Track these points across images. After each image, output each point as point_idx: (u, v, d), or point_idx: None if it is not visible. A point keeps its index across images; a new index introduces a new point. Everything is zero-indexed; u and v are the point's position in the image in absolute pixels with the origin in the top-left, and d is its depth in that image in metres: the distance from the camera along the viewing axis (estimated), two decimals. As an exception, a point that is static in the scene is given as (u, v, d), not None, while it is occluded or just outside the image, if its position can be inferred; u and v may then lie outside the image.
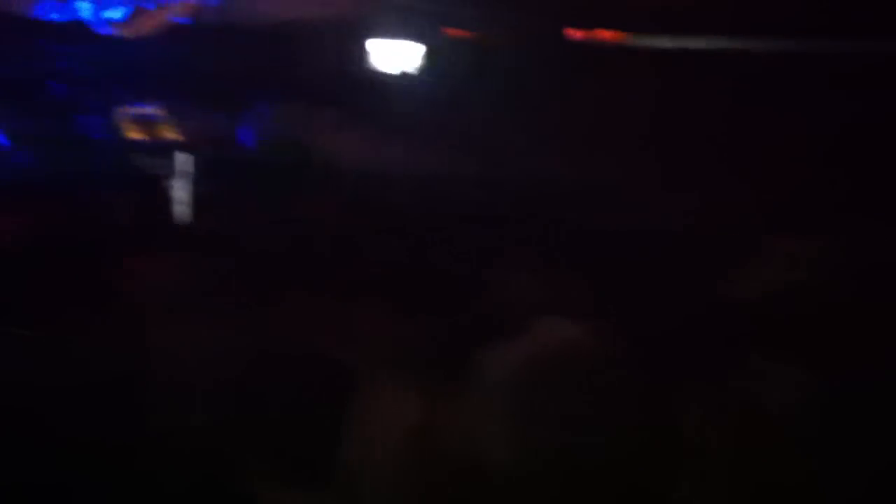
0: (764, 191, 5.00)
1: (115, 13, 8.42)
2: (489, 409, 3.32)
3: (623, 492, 3.05)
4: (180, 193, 6.53)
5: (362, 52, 12.58)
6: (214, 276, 4.16)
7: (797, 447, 3.11)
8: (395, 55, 12.62)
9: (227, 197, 5.92)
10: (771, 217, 4.48)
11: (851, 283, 3.57)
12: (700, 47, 10.86)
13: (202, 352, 3.64)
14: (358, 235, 4.59)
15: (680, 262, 3.96)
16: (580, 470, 3.08)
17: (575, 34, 12.22)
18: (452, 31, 12.43)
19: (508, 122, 7.03)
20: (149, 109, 7.70)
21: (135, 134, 7.52)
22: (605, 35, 12.01)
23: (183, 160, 6.93)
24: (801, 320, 3.41)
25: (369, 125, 7.29)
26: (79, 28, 8.09)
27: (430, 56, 12.03)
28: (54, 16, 8.25)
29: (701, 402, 3.21)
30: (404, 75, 12.14)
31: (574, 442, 3.12)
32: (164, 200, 6.45)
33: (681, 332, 3.43)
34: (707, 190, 5.09)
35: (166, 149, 7.14)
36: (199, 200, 6.39)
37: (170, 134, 7.52)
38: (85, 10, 8.29)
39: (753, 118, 7.91)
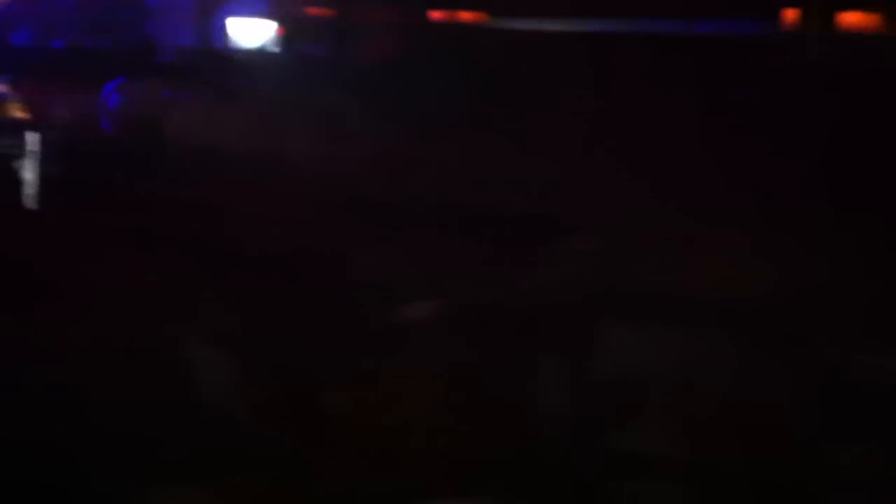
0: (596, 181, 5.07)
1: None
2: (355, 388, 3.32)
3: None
4: (28, 174, 6.36)
5: (223, 30, 12.41)
6: (63, 259, 4.05)
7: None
8: (256, 33, 12.50)
9: (78, 176, 5.79)
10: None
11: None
12: (558, 29, 10.99)
13: (41, 341, 3.54)
14: (212, 214, 4.51)
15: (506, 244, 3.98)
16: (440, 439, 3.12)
17: (436, 15, 12.27)
18: (313, 10, 12.36)
19: (367, 101, 7.01)
20: (-4, 86, 7.49)
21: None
22: (466, 16, 12.09)
23: (32, 139, 6.76)
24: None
25: (227, 102, 7.19)
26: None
27: (290, 34, 11.94)
28: None
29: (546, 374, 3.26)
30: (265, 53, 12.02)
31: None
32: (11, 181, 6.28)
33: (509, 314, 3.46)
34: (554, 173, 5.13)
35: (14, 128, 6.96)
36: (48, 180, 6.23)
37: (18, 113, 7.33)
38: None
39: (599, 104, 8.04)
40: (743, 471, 2.73)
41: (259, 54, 11.48)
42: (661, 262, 3.37)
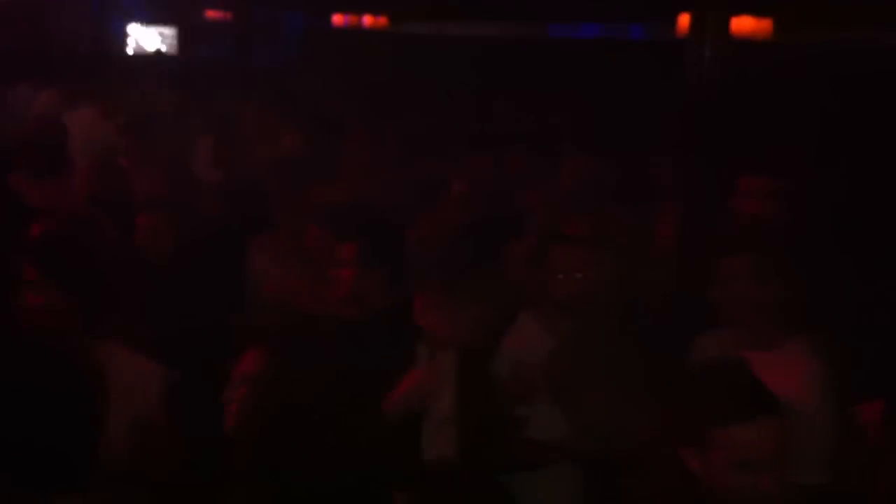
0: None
1: None
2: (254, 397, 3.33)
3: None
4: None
5: (123, 35, 12.29)
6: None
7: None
8: (156, 37, 12.41)
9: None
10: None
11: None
12: (459, 34, 11.10)
13: None
14: (109, 221, 4.45)
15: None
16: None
17: (339, 19, 12.29)
18: (213, 13, 12.28)
19: (268, 103, 7.00)
20: None
21: None
22: (369, 21, 12.13)
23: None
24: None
25: (128, 106, 7.12)
26: None
27: (190, 37, 11.87)
28: None
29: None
30: (166, 57, 11.93)
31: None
32: None
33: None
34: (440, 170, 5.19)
35: None
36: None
37: None
38: None
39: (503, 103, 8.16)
40: (631, 453, 2.80)
41: (157, 58, 11.39)
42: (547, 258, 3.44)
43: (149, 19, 11.44)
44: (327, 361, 3.17)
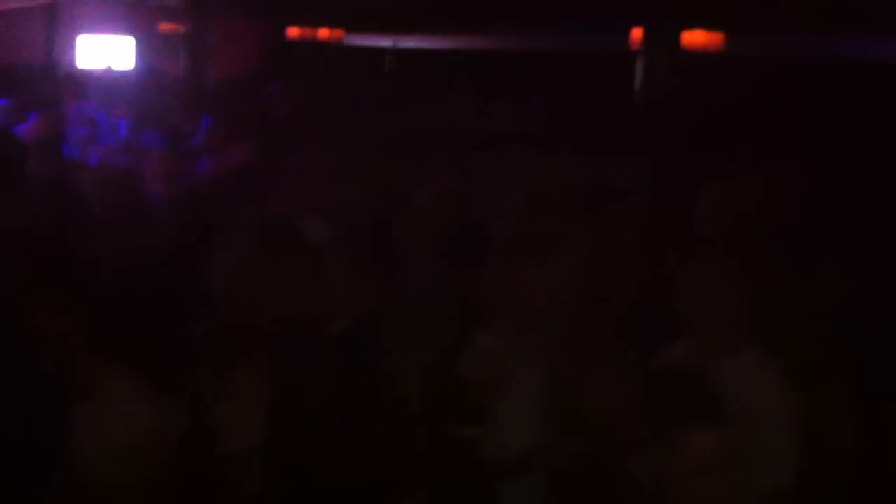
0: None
1: None
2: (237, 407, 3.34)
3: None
4: None
5: (78, 48, 12.20)
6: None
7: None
8: (109, 49, 12.33)
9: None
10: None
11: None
12: (413, 46, 11.15)
13: None
14: (62, 236, 4.42)
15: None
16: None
17: (294, 32, 12.28)
18: (166, 26, 12.22)
19: (222, 115, 6.99)
20: None
21: None
22: (324, 34, 12.14)
23: None
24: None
25: (83, 120, 7.09)
26: None
27: (143, 49, 11.81)
28: None
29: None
30: (116, 70, 11.86)
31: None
32: None
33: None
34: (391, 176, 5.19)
35: None
36: None
37: None
38: None
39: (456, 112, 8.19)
40: (604, 465, 2.82)
41: (111, 71, 11.31)
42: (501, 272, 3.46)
43: (104, 32, 11.38)
44: (322, 367, 3.18)
